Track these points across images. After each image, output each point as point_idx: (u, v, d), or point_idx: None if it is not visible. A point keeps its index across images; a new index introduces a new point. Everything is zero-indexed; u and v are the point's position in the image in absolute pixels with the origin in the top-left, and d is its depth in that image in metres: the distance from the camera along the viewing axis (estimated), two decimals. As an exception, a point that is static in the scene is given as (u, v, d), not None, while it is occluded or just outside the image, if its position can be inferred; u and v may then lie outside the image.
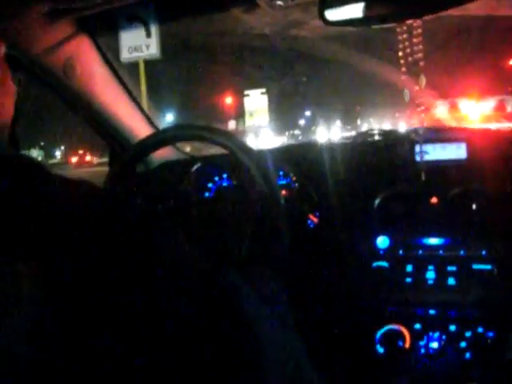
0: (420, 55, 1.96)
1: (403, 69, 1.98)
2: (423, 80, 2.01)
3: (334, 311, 2.21)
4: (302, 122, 18.59)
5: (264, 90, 19.91)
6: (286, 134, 18.82)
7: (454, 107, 10.48)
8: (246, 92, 20.38)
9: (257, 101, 20.23)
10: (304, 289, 2.10)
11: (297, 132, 18.61)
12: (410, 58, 1.96)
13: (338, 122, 16.39)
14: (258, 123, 19.98)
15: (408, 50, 1.96)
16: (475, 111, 10.28)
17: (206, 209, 1.79)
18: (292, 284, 1.61)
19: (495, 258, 2.04)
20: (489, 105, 10.68)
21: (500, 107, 10.47)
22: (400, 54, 1.95)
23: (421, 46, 1.96)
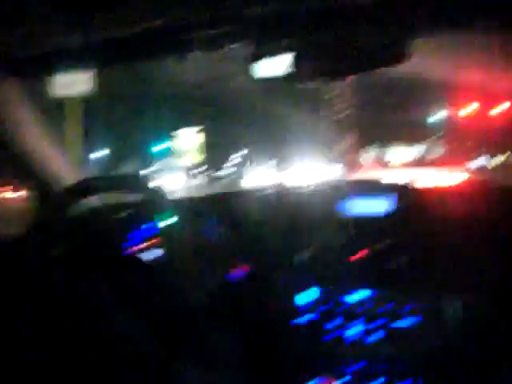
0: (351, 110, 2.00)
1: (336, 118, 2.01)
2: (352, 135, 2.05)
3: (258, 364, 2.17)
4: (237, 160, 18.66)
5: (199, 128, 19.86)
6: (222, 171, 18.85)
7: (380, 154, 10.98)
8: (177, 132, 20.23)
9: (190, 141, 20.10)
10: (227, 340, 2.06)
11: (231, 170, 18.66)
12: (342, 112, 2.00)
13: (273, 163, 16.61)
14: (190, 162, 19.81)
15: (340, 105, 1.99)
16: (400, 158, 10.80)
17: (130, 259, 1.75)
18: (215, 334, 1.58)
19: (422, 311, 2.06)
20: (413, 152, 11.24)
21: (425, 155, 11.12)
22: (332, 108, 1.98)
23: (352, 102, 2.00)
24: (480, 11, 1.56)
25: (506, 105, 16.32)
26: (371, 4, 1.53)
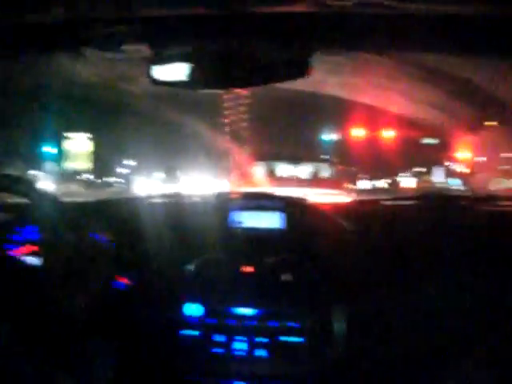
0: (245, 123, 1.98)
1: (227, 135, 1.99)
2: (247, 148, 2.04)
3: (141, 376, 2.10)
4: (124, 170, 18.23)
5: (90, 136, 19.29)
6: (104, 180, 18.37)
7: (270, 170, 11.19)
8: (66, 135, 19.53)
9: (80, 145, 19.51)
10: (107, 351, 1.98)
11: (118, 180, 18.21)
12: (235, 125, 1.98)
13: (162, 175, 16.43)
14: (78, 167, 19.21)
15: (234, 117, 1.98)
16: (291, 175, 11.02)
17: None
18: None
19: (307, 330, 2.06)
20: (306, 170, 11.53)
21: (314, 174, 11.40)
22: (226, 120, 1.96)
23: (247, 115, 1.99)
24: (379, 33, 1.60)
25: (390, 133, 17.23)
26: (274, 17, 1.52)
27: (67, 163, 19.46)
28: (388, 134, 17.40)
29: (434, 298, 2.06)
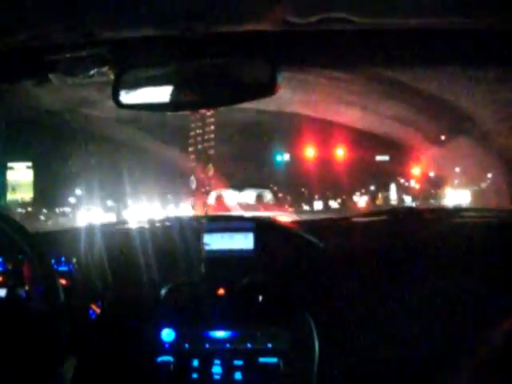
0: (210, 144, 1.98)
1: (192, 156, 1.98)
2: (211, 169, 2.04)
3: None
4: (72, 200, 17.68)
5: (30, 164, 18.56)
6: (57, 211, 17.78)
7: (219, 196, 11.45)
8: (10, 165, 18.78)
9: (21, 174, 18.65)
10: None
11: (67, 209, 17.70)
12: (199, 146, 1.98)
13: (110, 202, 16.20)
14: (21, 198, 18.42)
15: (199, 138, 1.97)
16: (237, 200, 11.34)
17: None
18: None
19: (281, 351, 2.05)
20: (252, 195, 11.80)
21: (259, 198, 11.70)
22: (191, 141, 1.95)
23: (212, 135, 1.99)
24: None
25: (342, 152, 17.26)
26: (238, 36, 1.52)
27: (11, 194, 18.58)
28: (341, 153, 17.45)
29: (408, 310, 2.06)
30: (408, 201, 19.94)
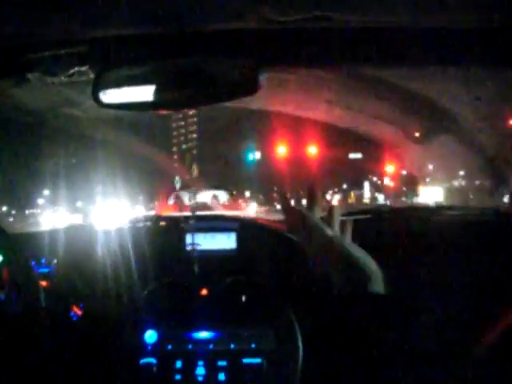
0: (193, 144, 1.96)
1: (175, 156, 1.96)
2: (195, 169, 2.02)
3: None
4: (41, 201, 17.34)
5: None
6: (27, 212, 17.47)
7: (177, 197, 11.69)
8: None
9: None
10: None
11: (36, 211, 17.35)
12: (183, 146, 1.96)
13: (80, 203, 16.03)
14: None
15: (182, 138, 1.95)
16: (191, 201, 11.62)
17: None
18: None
19: (264, 351, 2.05)
20: (207, 195, 12.05)
21: (215, 199, 11.99)
22: (174, 140, 1.93)
23: (195, 135, 1.97)
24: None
25: (313, 149, 17.22)
26: (220, 35, 1.51)
27: None
28: (314, 151, 17.41)
29: (402, 307, 2.07)
30: (381, 199, 19.98)
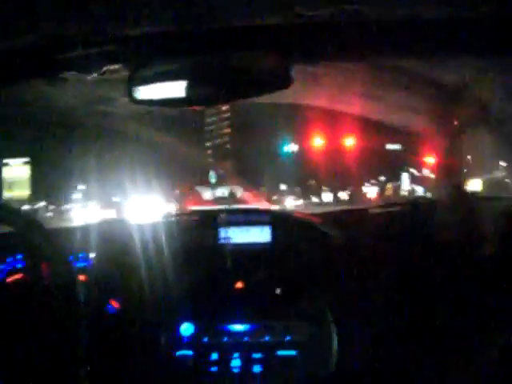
0: (226, 139, 1.98)
1: (209, 151, 1.98)
2: (229, 163, 2.04)
3: None
4: (77, 196, 17.33)
5: (27, 160, 18.06)
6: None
7: (196, 192, 11.96)
8: (5, 161, 18.20)
9: (18, 171, 18.07)
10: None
11: (72, 206, 17.36)
12: (217, 141, 1.98)
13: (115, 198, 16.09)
14: (17, 196, 17.90)
15: (215, 133, 1.97)
16: (210, 195, 11.81)
17: None
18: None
19: (299, 343, 2.06)
20: (224, 191, 12.16)
21: (231, 194, 12.13)
22: (207, 135, 1.96)
23: (229, 130, 1.99)
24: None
25: (349, 141, 16.87)
26: (251, 30, 1.52)
27: (8, 192, 18.11)
28: (350, 143, 17.07)
29: (430, 306, 2.06)
30: (420, 191, 19.40)
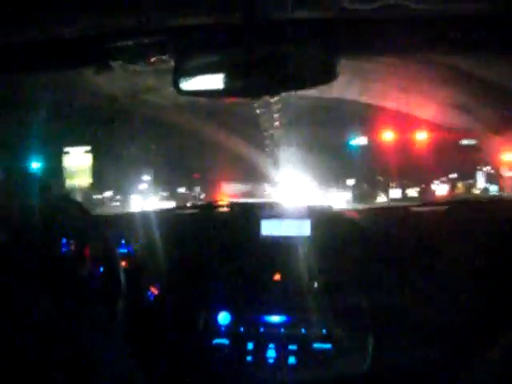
0: (279, 131, 1.99)
1: (267, 141, 1.99)
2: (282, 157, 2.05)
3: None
4: (143, 186, 17.44)
5: (88, 148, 18.03)
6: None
7: (222, 187, 12.21)
8: (66, 149, 18.13)
9: (79, 160, 17.95)
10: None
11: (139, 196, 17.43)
12: (265, 133, 1.98)
13: (183, 189, 16.15)
14: (79, 184, 17.81)
15: (268, 124, 1.98)
16: (233, 191, 11.93)
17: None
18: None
19: (334, 337, 2.06)
20: (245, 187, 12.30)
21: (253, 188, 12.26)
22: (266, 133, 1.96)
23: (278, 123, 1.99)
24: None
25: (422, 135, 16.25)
26: (296, 23, 1.52)
27: (70, 180, 18.06)
28: (421, 137, 16.38)
29: (472, 304, 2.04)
30: (494, 190, 18.20)
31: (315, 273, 2.20)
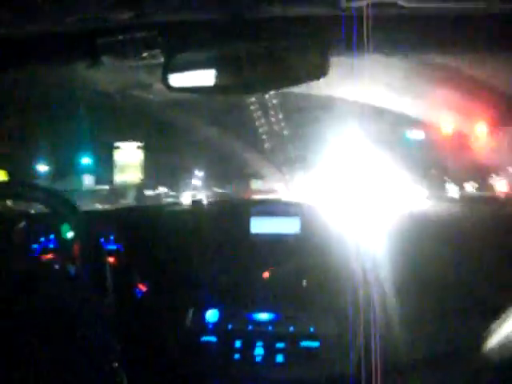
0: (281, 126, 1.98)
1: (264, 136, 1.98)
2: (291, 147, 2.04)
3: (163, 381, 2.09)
4: (197, 182, 17.20)
5: (141, 144, 17.63)
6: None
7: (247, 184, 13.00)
8: (117, 144, 17.68)
9: (130, 155, 17.55)
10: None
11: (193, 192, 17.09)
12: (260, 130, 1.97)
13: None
14: (130, 180, 17.37)
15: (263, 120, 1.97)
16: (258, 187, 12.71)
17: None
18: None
19: (323, 335, 2.06)
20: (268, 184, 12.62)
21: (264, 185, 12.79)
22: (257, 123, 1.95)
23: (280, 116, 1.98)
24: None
25: (481, 127, 15.23)
26: (289, 20, 1.52)
27: (119, 175, 17.58)
28: (482, 129, 15.32)
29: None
30: None
31: (303, 271, 2.20)
